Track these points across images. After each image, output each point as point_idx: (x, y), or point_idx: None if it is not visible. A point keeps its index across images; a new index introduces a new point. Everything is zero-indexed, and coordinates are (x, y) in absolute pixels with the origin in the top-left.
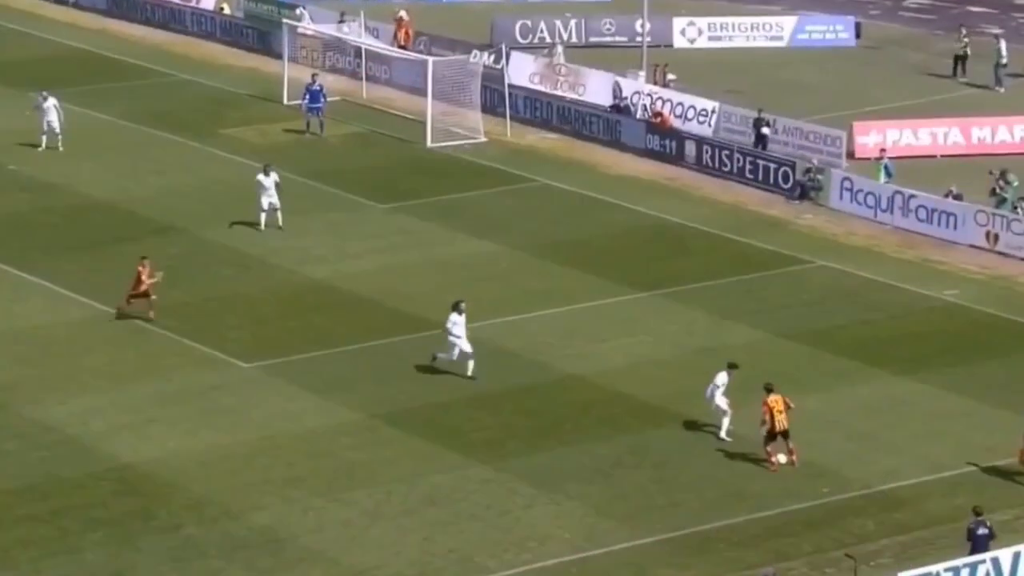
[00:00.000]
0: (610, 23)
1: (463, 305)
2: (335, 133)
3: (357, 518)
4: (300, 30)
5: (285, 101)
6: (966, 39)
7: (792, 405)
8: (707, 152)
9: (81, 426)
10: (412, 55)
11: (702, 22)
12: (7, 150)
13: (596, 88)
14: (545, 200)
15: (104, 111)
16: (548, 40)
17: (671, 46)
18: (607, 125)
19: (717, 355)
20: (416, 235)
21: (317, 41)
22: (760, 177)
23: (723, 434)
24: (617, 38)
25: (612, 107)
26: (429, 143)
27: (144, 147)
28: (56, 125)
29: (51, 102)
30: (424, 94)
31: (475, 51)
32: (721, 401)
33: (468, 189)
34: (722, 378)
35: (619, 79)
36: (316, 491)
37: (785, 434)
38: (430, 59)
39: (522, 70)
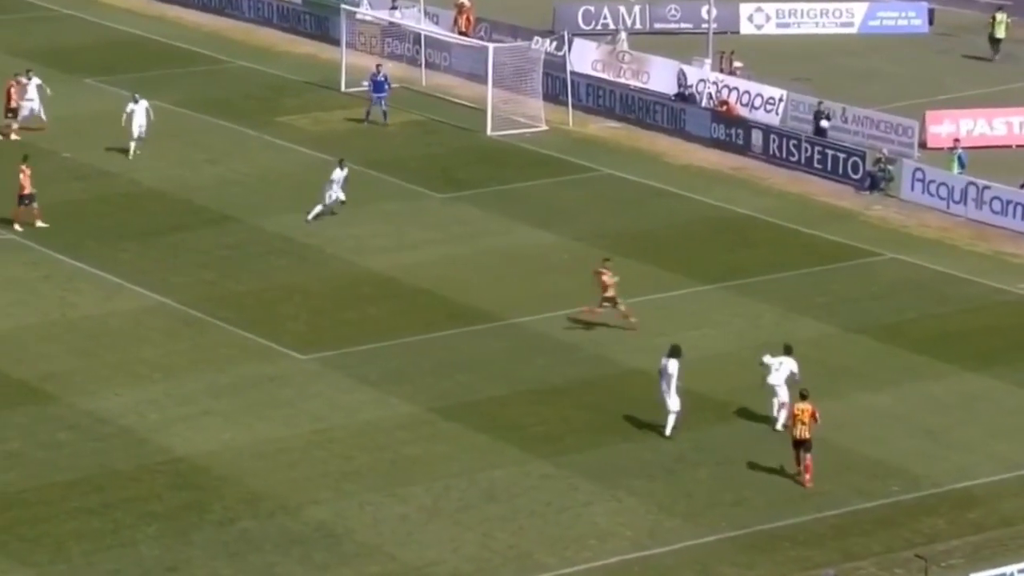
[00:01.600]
0: (675, 9)
1: (680, 349)
2: (393, 121)
3: (414, 513)
4: (358, 16)
5: (343, 88)
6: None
7: (819, 420)
8: (774, 141)
9: (135, 418)
10: (472, 42)
11: (770, 8)
12: (62, 138)
13: (660, 76)
14: (607, 190)
15: (159, 98)
16: (611, 26)
17: (738, 32)
18: (671, 114)
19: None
20: (475, 225)
21: (375, 27)
22: (829, 167)
23: (779, 426)
24: (682, 24)
25: (677, 95)
26: (489, 131)
27: (199, 135)
28: (143, 130)
29: (142, 104)
30: (484, 82)
31: (537, 38)
32: (780, 390)
33: (529, 179)
34: (769, 359)
35: (684, 67)
36: (373, 485)
37: (803, 445)
38: (491, 46)
39: (584, 57)
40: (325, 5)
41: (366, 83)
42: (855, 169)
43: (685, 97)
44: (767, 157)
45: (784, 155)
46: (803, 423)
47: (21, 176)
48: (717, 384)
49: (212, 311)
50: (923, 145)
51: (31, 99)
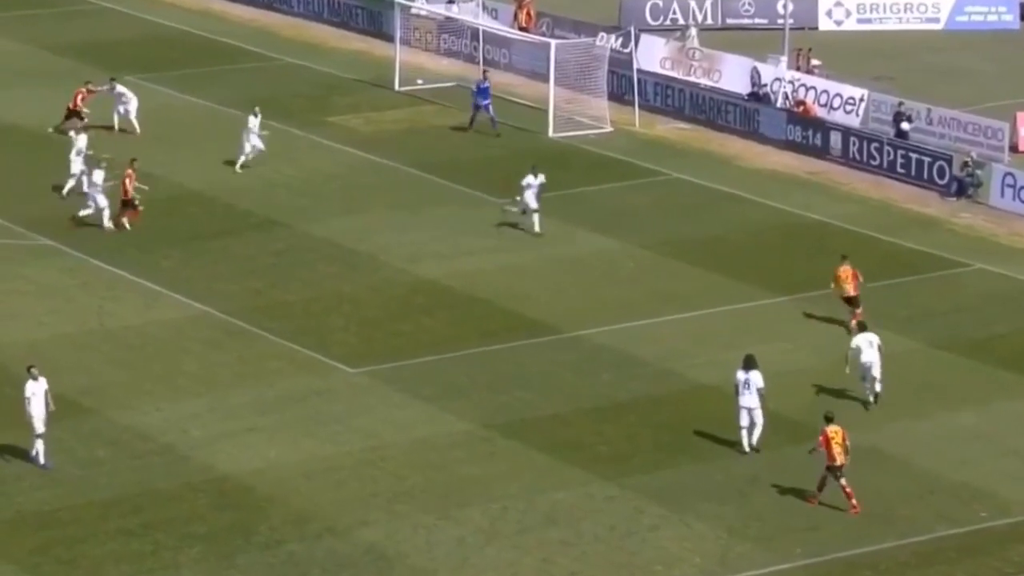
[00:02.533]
0: (749, 3)
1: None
2: (447, 123)
3: (470, 536)
4: (413, 11)
5: (396, 87)
6: None
7: (849, 447)
8: (854, 144)
9: (177, 434)
10: (534, 38)
11: (850, 2)
12: (102, 139)
13: (733, 74)
14: (676, 195)
15: (204, 96)
16: (681, 22)
17: (816, 28)
18: (744, 114)
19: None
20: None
21: (431, 22)
22: (913, 172)
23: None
24: (756, 20)
25: (750, 95)
26: (551, 133)
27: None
28: (259, 144)
29: (258, 121)
30: (546, 80)
31: (602, 34)
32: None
33: (593, 183)
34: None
35: (758, 64)
36: (426, 507)
37: (840, 470)
38: (553, 42)
39: (652, 54)
40: (378, 0)
41: (474, 91)
42: (941, 174)
43: (759, 97)
44: (846, 161)
45: (865, 159)
46: (838, 444)
47: (126, 180)
48: (791, 402)
49: (258, 321)
50: (1014, 148)
51: (126, 102)
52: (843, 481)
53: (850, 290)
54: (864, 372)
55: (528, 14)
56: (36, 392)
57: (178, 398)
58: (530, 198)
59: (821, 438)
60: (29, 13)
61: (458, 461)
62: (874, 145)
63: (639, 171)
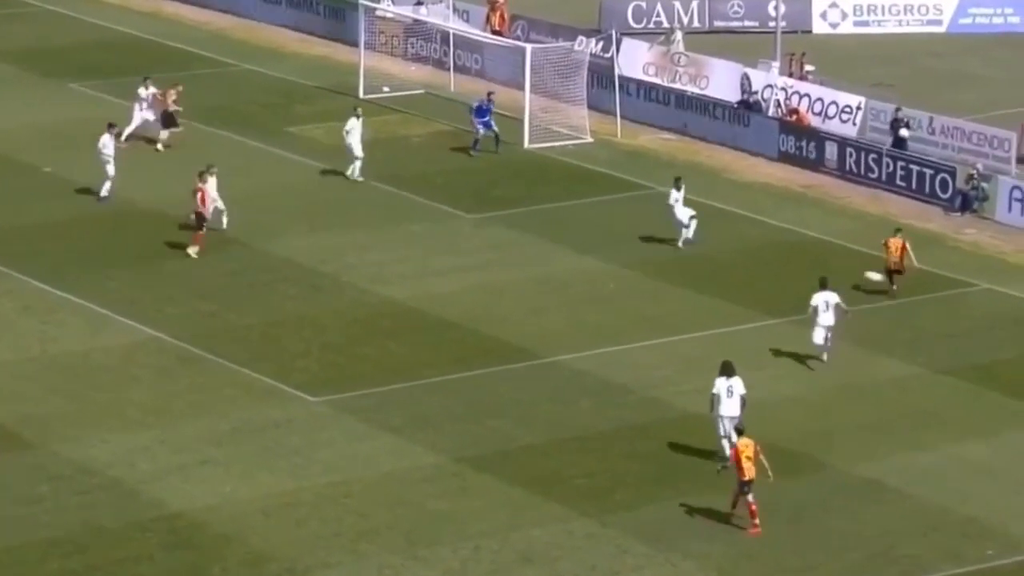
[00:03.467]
0: (738, 5)
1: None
2: (417, 132)
3: None
4: (379, 13)
5: (361, 94)
6: None
7: (765, 462)
8: (851, 155)
9: (125, 468)
10: (507, 42)
11: (846, 4)
12: (42, 150)
13: (721, 81)
14: (661, 210)
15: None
16: (666, 25)
17: (810, 32)
18: (734, 124)
19: (862, 393)
20: (510, 250)
21: (398, 25)
22: (914, 185)
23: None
24: (746, 22)
25: (740, 103)
26: (527, 144)
27: (198, 147)
28: (360, 148)
29: (359, 122)
30: (521, 87)
31: (581, 37)
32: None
33: (571, 197)
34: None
35: (748, 70)
36: (393, 546)
37: (747, 485)
38: (528, 46)
39: (635, 60)
40: (342, 0)
41: (472, 110)
42: (944, 187)
43: (749, 105)
44: (843, 173)
45: (862, 171)
46: (748, 458)
47: (200, 194)
48: (785, 431)
49: (211, 347)
50: (1022, 160)
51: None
52: (750, 497)
53: (897, 263)
54: (824, 333)
55: (501, 17)
56: None
57: (126, 429)
58: (684, 214)
59: (731, 452)
60: None
61: (427, 496)
62: (872, 156)
63: (621, 184)
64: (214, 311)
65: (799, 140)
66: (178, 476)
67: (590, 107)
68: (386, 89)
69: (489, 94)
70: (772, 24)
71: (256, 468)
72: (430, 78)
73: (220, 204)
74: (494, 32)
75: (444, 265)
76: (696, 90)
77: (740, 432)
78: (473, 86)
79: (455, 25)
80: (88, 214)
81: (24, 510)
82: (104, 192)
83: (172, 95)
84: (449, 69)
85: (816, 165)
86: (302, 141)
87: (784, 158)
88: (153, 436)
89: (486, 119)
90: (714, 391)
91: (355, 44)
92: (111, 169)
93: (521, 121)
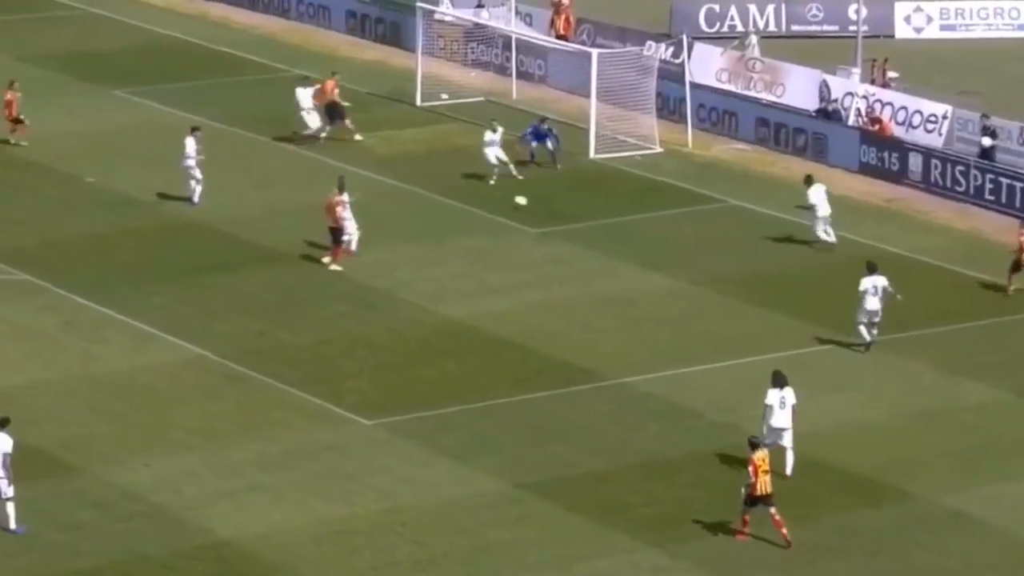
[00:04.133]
0: (817, 8)
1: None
2: (471, 143)
3: None
4: (437, 16)
5: (418, 102)
6: None
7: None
8: (936, 167)
9: (170, 493)
10: (573, 47)
11: (932, 7)
12: (84, 159)
13: (799, 88)
14: (733, 225)
15: (199, 112)
16: (740, 29)
17: (892, 36)
18: (812, 134)
19: (946, 418)
20: (574, 266)
21: (457, 30)
22: (1003, 199)
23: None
24: (825, 27)
25: (818, 111)
26: (592, 154)
27: (246, 156)
28: (502, 155)
29: (498, 136)
30: (587, 94)
31: (650, 42)
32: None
33: (639, 210)
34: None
35: (827, 77)
36: None
37: (768, 499)
38: (594, 52)
39: (707, 65)
40: (398, 3)
41: (529, 133)
42: None
43: (828, 114)
44: (927, 186)
45: (948, 184)
46: (765, 472)
47: (339, 209)
48: (865, 459)
49: (261, 366)
50: None
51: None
52: (773, 510)
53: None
54: (870, 318)
55: (567, 20)
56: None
57: (171, 453)
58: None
59: (751, 468)
60: (3, 19)
61: (486, 525)
62: (959, 168)
63: (691, 197)
64: (264, 329)
65: (881, 151)
66: (226, 502)
67: (659, 115)
68: (444, 96)
69: (544, 118)
70: (853, 28)
71: (308, 494)
72: (491, 85)
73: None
74: (558, 36)
75: (503, 282)
76: (772, 98)
77: (756, 446)
78: (536, 93)
79: (517, 29)
80: (132, 226)
81: (65, 537)
82: (196, 198)
83: (332, 85)
84: (511, 75)
85: (899, 177)
86: (355, 151)
87: (865, 170)
88: (200, 460)
89: (543, 140)
90: (767, 402)
91: (412, 49)
92: (198, 173)
93: (586, 130)
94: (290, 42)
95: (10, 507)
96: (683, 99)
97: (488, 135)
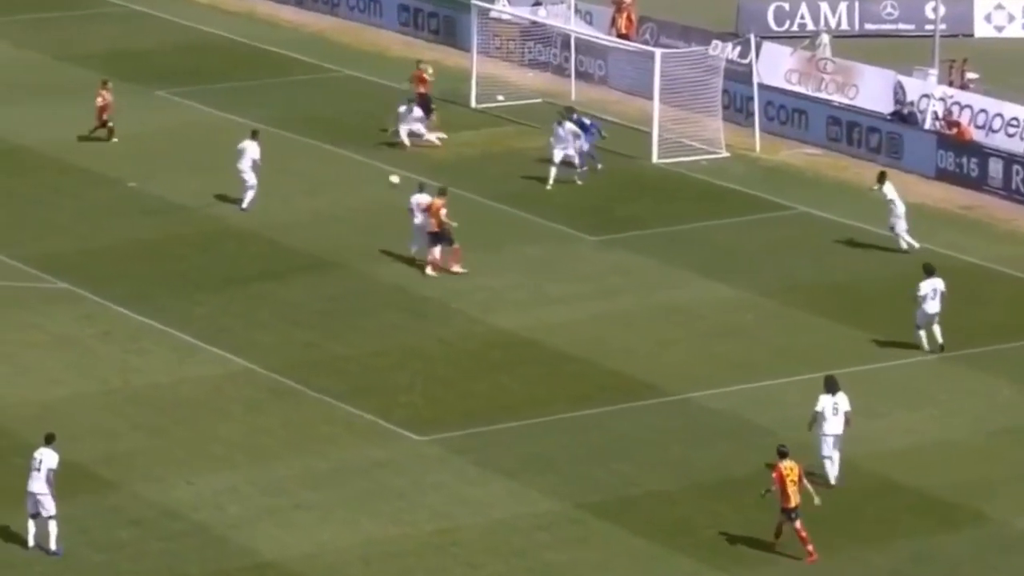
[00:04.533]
0: (892, 6)
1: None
2: (527, 147)
3: None
4: (493, 15)
5: (473, 104)
6: None
7: (809, 486)
8: (1017, 173)
9: (212, 511)
10: (635, 46)
11: (1014, 4)
12: (125, 163)
13: (872, 90)
14: (803, 233)
15: (245, 114)
16: (811, 28)
17: (972, 36)
18: (886, 137)
19: None
20: (636, 275)
21: (514, 28)
22: None
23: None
24: (901, 25)
25: (893, 114)
26: (655, 158)
27: (293, 160)
28: (571, 156)
29: (569, 128)
30: (650, 96)
31: (716, 42)
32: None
33: (704, 217)
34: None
35: (902, 78)
36: None
37: (794, 512)
38: (658, 51)
39: (776, 66)
40: (452, 1)
41: (586, 134)
42: None
43: (904, 117)
44: (1008, 193)
45: None
46: (793, 482)
47: (443, 212)
48: (941, 480)
49: (308, 379)
50: None
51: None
52: (798, 524)
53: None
54: (928, 321)
55: (628, 19)
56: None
57: (214, 469)
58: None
59: (775, 475)
60: (44, 17)
61: (543, 546)
62: None
63: (759, 204)
64: (311, 340)
65: (959, 156)
66: (270, 521)
67: (725, 118)
68: (500, 98)
69: (568, 109)
70: (930, 27)
71: (356, 513)
72: (549, 86)
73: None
74: (620, 36)
75: (562, 292)
76: (844, 100)
77: (784, 455)
78: (596, 95)
79: (577, 27)
80: (175, 233)
81: (103, 556)
82: (245, 203)
83: (426, 75)
84: (570, 76)
85: (978, 184)
86: (407, 154)
87: (942, 176)
88: (243, 477)
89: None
90: (818, 408)
91: (467, 48)
92: (251, 178)
93: (649, 133)
94: (340, 41)
95: (52, 526)
96: (750, 101)
97: (560, 131)
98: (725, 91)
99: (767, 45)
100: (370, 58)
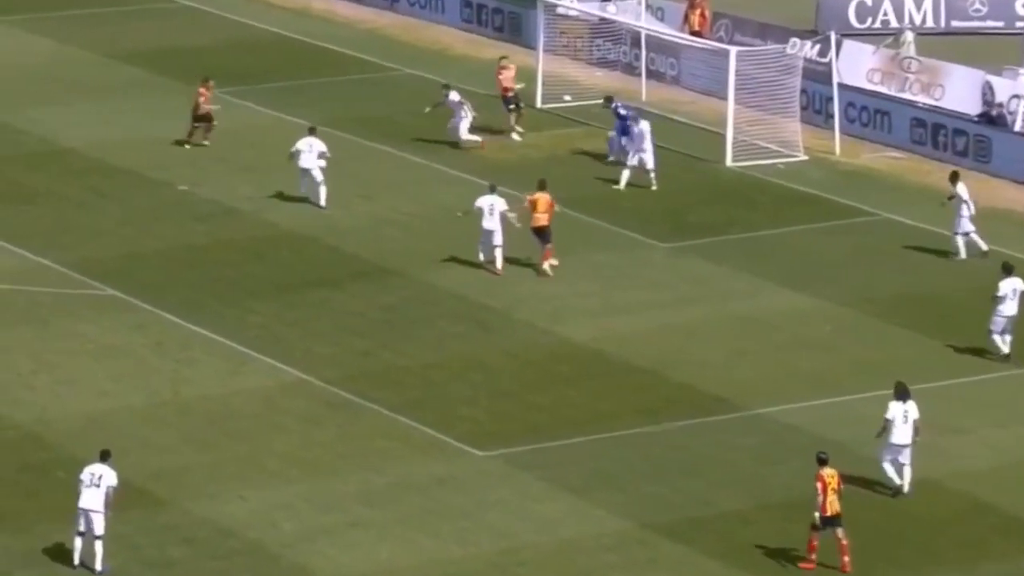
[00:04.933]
0: (980, 3)
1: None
2: (595, 149)
3: None
4: (560, 11)
5: (538, 104)
6: None
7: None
8: None
9: (266, 529)
10: (709, 44)
11: None
12: (176, 166)
13: (959, 90)
14: (885, 240)
15: (299, 114)
16: (894, 24)
17: None
18: (973, 140)
19: None
20: (709, 284)
21: (582, 25)
22: None
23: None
24: (989, 22)
25: (981, 116)
26: (729, 162)
27: (350, 163)
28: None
29: (646, 125)
30: (724, 96)
31: (794, 39)
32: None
33: (781, 224)
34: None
35: (991, 78)
36: None
37: (835, 520)
38: (733, 49)
39: (858, 65)
40: None
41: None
42: None
43: (992, 119)
44: None
45: None
46: (834, 490)
47: (544, 212)
48: None
49: (365, 391)
50: None
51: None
52: (840, 532)
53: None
54: (1005, 326)
55: (702, 15)
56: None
57: (268, 485)
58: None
59: (819, 484)
60: (90, 12)
61: (610, 568)
62: None
63: (839, 210)
64: (368, 350)
65: None
66: (326, 539)
67: (804, 119)
68: (567, 98)
69: (607, 99)
70: (1020, 24)
71: (415, 531)
72: (618, 85)
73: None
74: (693, 33)
75: (631, 301)
76: (929, 101)
77: (824, 462)
78: (667, 95)
79: (648, 24)
80: (227, 238)
81: (154, 575)
82: (323, 201)
83: (508, 74)
84: (640, 75)
85: None
86: (470, 157)
87: None
88: (298, 493)
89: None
90: (888, 416)
91: (532, 46)
92: (318, 175)
93: (723, 135)
94: (399, 38)
95: (99, 546)
96: (830, 102)
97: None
98: (803, 91)
99: (848, 43)
100: (431, 56)
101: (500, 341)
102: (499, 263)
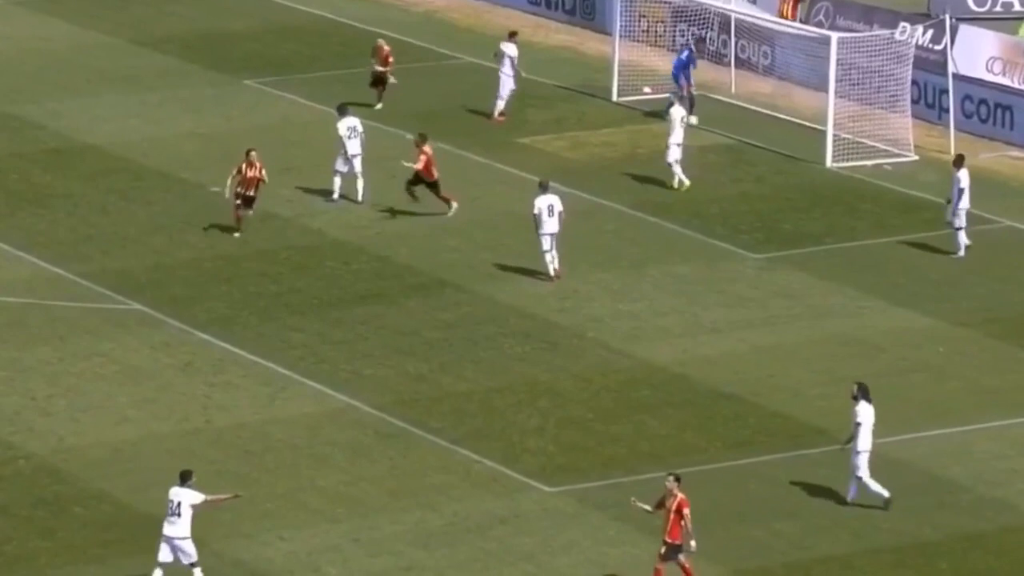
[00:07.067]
0: None
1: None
2: (690, 143)
3: None
4: None
5: (614, 96)
6: None
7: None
8: None
9: (308, 573)
10: (807, 30)
11: None
12: (209, 165)
13: None
14: (1006, 251)
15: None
16: (1017, 8)
17: None
18: None
19: None
20: (806, 300)
21: (664, 8)
22: None
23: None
24: None
25: None
26: (829, 162)
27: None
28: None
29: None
30: (824, 89)
31: (904, 24)
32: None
33: (887, 232)
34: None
35: None
36: None
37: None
38: (834, 36)
39: (976, 53)
40: None
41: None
42: None
43: None
44: None
45: None
46: (678, 514)
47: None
48: None
49: (419, 419)
50: None
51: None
52: (686, 560)
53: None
54: None
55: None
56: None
57: (310, 524)
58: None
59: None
60: None
61: None
62: None
63: None
64: (423, 373)
65: None
66: None
67: (915, 115)
68: (647, 90)
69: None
70: None
71: (477, 575)
72: (703, 75)
73: None
74: (788, 17)
75: (719, 319)
76: None
77: (679, 478)
78: (760, 86)
79: (738, 8)
80: (266, 248)
81: None
82: (360, 196)
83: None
84: (729, 64)
85: None
86: (538, 156)
87: None
88: (344, 533)
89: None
90: (858, 420)
91: (608, 32)
92: (358, 164)
93: (823, 132)
94: (457, 22)
95: (198, 573)
96: (944, 95)
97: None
98: (914, 83)
99: (965, 28)
100: (493, 43)
101: (570, 364)
102: (556, 263)
